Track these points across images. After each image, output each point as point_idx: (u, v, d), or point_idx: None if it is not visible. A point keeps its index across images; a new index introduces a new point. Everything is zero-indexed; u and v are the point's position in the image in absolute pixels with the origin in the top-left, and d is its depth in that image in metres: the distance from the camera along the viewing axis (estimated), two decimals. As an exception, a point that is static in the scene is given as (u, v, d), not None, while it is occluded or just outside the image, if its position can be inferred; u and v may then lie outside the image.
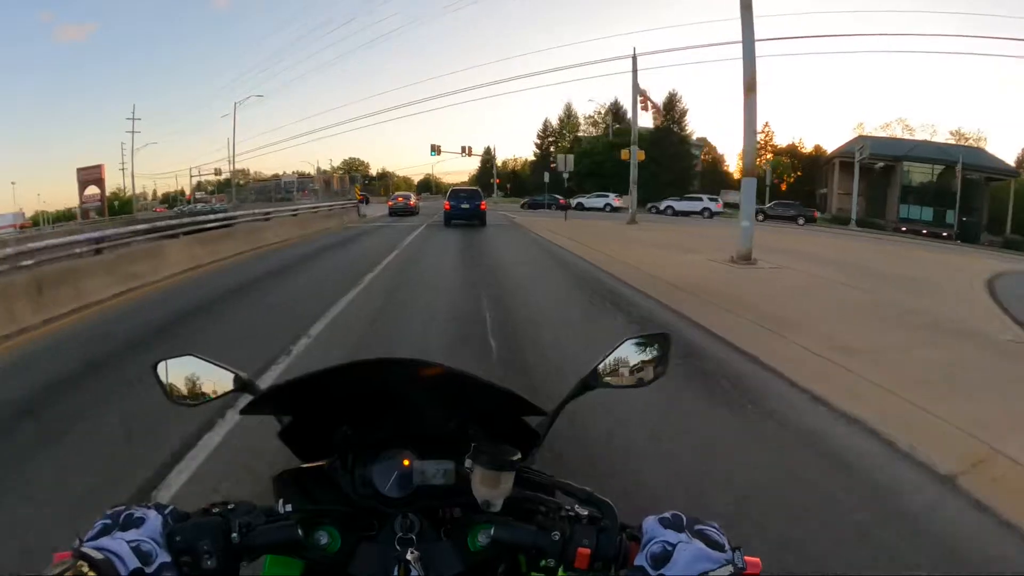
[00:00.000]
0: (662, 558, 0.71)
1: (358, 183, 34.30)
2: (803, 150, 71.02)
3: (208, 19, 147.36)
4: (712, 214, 44.21)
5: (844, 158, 49.41)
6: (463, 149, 58.00)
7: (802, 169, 64.01)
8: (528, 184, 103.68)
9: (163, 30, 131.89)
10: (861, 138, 52.97)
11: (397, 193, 49.86)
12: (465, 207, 26.32)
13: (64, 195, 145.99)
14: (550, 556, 0.80)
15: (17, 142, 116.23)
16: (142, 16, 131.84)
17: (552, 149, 74.51)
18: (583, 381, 1.09)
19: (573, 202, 47.45)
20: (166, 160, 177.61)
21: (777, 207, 45.38)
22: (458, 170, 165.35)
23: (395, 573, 0.84)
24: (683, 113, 65.17)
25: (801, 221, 42.10)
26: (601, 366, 1.09)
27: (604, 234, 21.87)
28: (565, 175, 29.02)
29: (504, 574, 0.92)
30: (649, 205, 50.25)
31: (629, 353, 1.08)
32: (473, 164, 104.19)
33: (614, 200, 47.29)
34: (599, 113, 70.15)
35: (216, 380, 1.06)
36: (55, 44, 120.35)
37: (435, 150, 55.26)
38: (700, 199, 45.75)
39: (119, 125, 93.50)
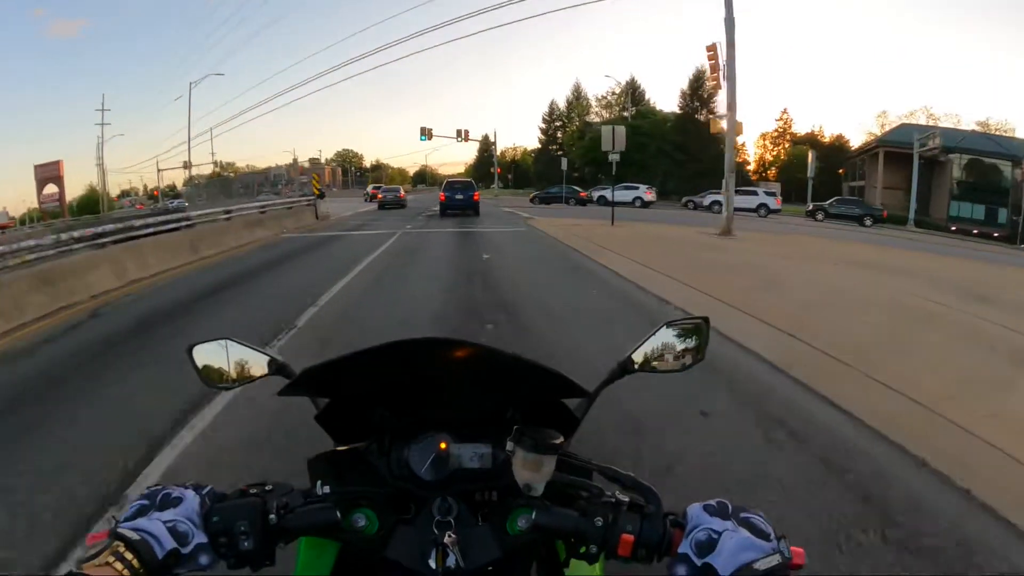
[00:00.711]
0: (707, 546, 0.69)
1: (316, 173, 23.66)
2: (823, 138, 63.67)
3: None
4: (769, 211, 35.57)
5: (892, 147, 42.64)
6: (458, 133, 48.85)
7: (823, 159, 55.42)
8: (531, 173, 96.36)
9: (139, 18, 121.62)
10: (908, 127, 45.79)
11: (383, 187, 46.55)
12: (460, 198, 26.30)
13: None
14: (592, 542, 0.77)
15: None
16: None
17: (559, 135, 65.37)
18: (621, 364, 1.03)
19: (594, 195, 38.30)
20: (150, 153, 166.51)
21: (840, 204, 37.31)
22: (454, 160, 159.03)
23: (432, 556, 0.81)
24: (711, 93, 55.81)
25: (869, 222, 34.79)
26: (639, 351, 1.03)
27: (704, 257, 11.97)
28: (614, 157, 19.88)
29: (541, 560, 0.90)
30: (685, 200, 41.34)
31: (668, 337, 1.03)
32: (470, 153, 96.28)
33: (645, 193, 38.16)
34: (613, 93, 61.10)
35: (251, 363, 1.01)
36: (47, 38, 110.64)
37: (425, 134, 46.40)
38: (755, 192, 36.97)
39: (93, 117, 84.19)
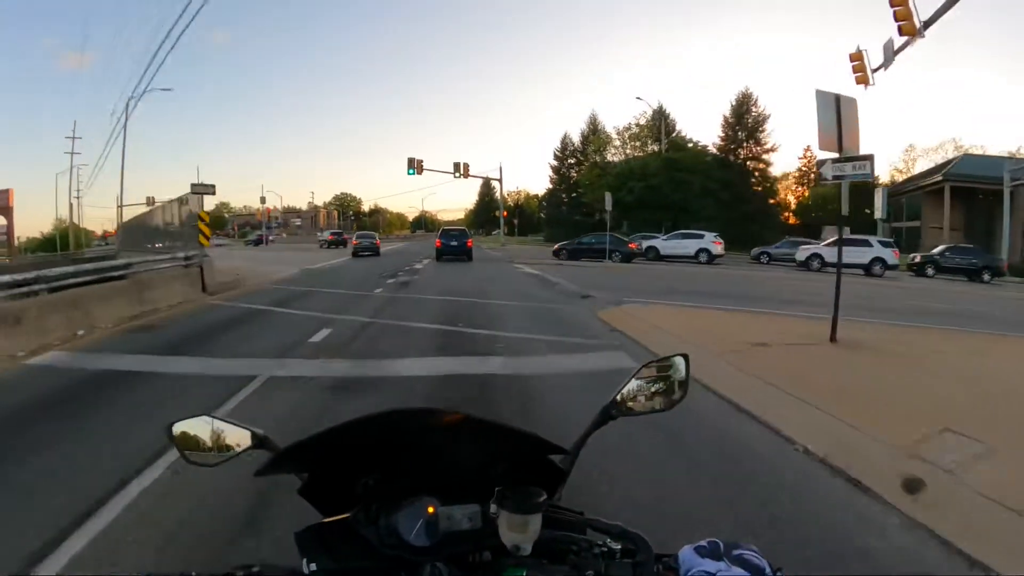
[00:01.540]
0: None
1: (203, 211, 10.60)
2: None
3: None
4: (886, 268, 25.77)
5: (960, 182, 36.17)
6: (456, 167, 38.36)
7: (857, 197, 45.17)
8: (538, 219, 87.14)
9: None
10: (972, 158, 39.59)
11: (359, 232, 42.08)
12: (455, 244, 26.81)
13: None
14: None
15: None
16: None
17: (574, 173, 54.89)
18: (604, 410, 1.03)
19: (643, 245, 27.35)
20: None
21: (954, 255, 27.59)
22: (454, 206, 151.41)
23: None
24: (761, 120, 45.45)
25: (987, 276, 26.03)
26: (621, 393, 1.03)
27: None
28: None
29: None
30: (757, 251, 30.44)
31: (650, 378, 1.03)
32: (470, 197, 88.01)
33: (713, 243, 27.17)
34: (638, 124, 50.51)
35: (231, 437, 0.99)
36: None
37: (414, 167, 35.86)
38: (867, 243, 25.93)
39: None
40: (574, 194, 53.35)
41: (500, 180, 44.16)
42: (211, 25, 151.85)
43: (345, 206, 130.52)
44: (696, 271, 22.43)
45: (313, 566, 0.81)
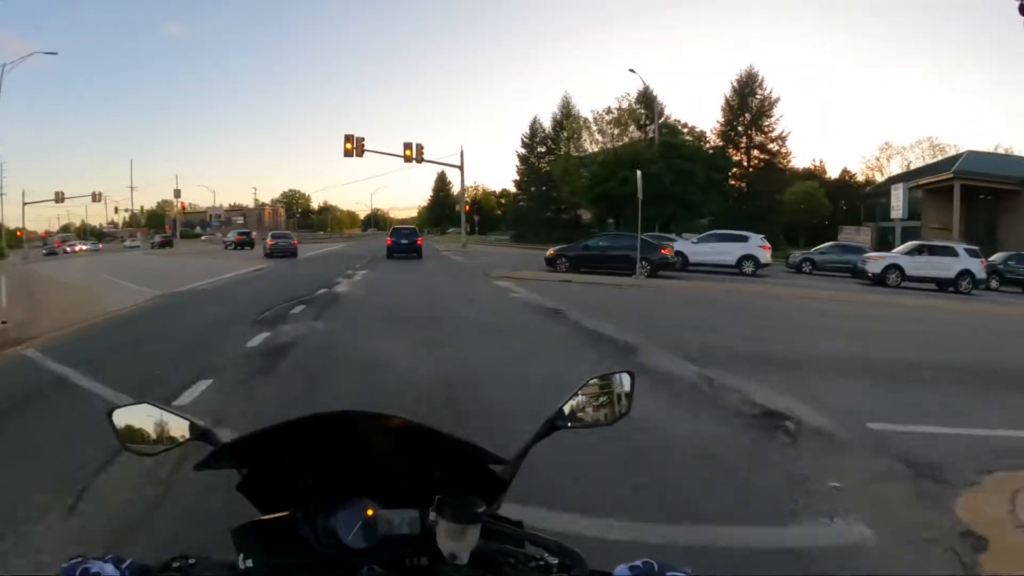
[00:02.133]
0: None
1: None
2: (826, 174, 51.21)
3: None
4: (975, 283, 19.19)
5: (970, 180, 32.31)
6: (407, 149, 29.83)
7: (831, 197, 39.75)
8: (497, 216, 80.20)
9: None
10: (977, 155, 36.36)
11: (275, 232, 38.30)
12: (405, 242, 26.88)
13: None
14: None
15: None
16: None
17: (544, 164, 47.20)
18: (549, 422, 1.01)
19: (672, 247, 19.70)
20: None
21: (1018, 263, 22.06)
22: (406, 205, 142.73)
23: None
24: (770, 103, 38.81)
25: None
26: (567, 406, 1.02)
27: None
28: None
29: None
30: (798, 258, 23.53)
31: (594, 391, 1.03)
32: (424, 192, 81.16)
33: (760, 246, 19.86)
34: (620, 108, 42.97)
35: (173, 428, 0.96)
36: None
37: (354, 148, 27.36)
38: (952, 251, 19.44)
39: None
40: (544, 187, 45.75)
41: (461, 166, 35.03)
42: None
43: (293, 204, 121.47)
44: (760, 295, 14.96)
45: (249, 562, 0.80)
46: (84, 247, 59.68)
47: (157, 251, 47.20)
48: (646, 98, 41.50)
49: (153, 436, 0.95)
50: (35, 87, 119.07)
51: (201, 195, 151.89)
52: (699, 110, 65.33)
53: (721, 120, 40.05)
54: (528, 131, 48.75)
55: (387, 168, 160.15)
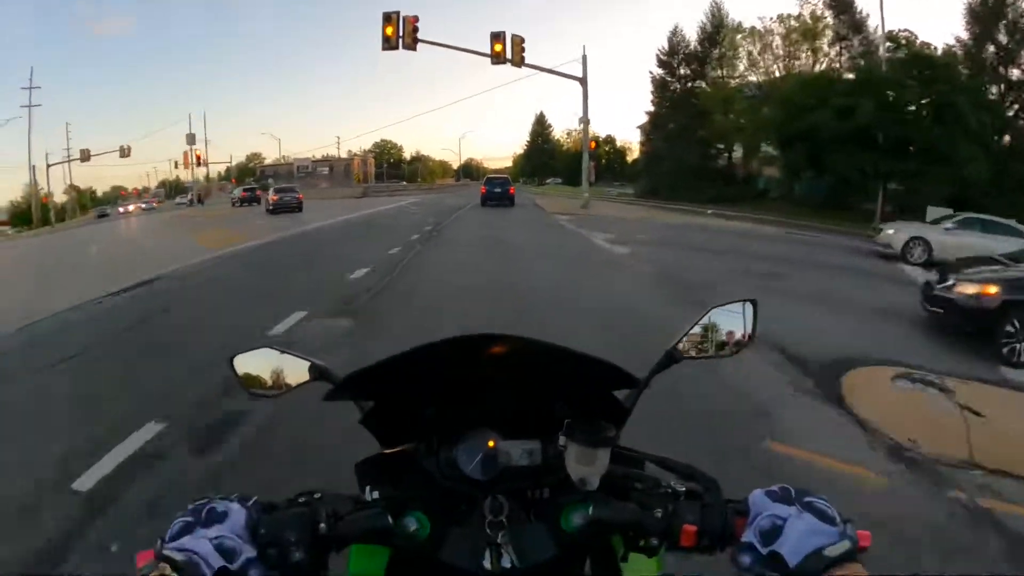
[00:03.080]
0: (772, 533, 0.64)
1: None
2: None
3: None
4: None
5: None
6: (496, 43, 17.64)
7: None
8: (623, 168, 68.20)
9: None
10: None
11: (279, 185, 33.45)
12: (498, 191, 26.01)
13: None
14: (653, 535, 0.73)
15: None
16: None
17: (691, 88, 33.97)
18: (668, 353, 0.96)
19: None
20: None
21: None
22: (501, 155, 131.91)
23: (486, 557, 0.77)
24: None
25: None
26: (688, 336, 0.97)
27: None
28: None
29: (596, 556, 0.86)
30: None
31: (715, 321, 0.98)
32: (521, 138, 71.14)
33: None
34: (802, 15, 28.79)
35: (293, 370, 0.96)
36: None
37: (398, 34, 15.54)
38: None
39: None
40: (687, 122, 32.60)
41: (583, 77, 22.51)
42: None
43: (385, 154, 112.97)
44: None
45: (375, 493, 0.79)
46: (141, 205, 55.62)
47: (184, 210, 41.41)
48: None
49: (273, 379, 0.95)
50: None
51: (292, 146, 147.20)
52: (918, 18, 46.92)
53: (965, 36, 24.76)
54: (666, 45, 35.03)
55: (477, 117, 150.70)
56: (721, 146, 33.26)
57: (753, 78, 33.36)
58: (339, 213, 22.02)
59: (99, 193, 72.68)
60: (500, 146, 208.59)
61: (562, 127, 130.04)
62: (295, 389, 0.95)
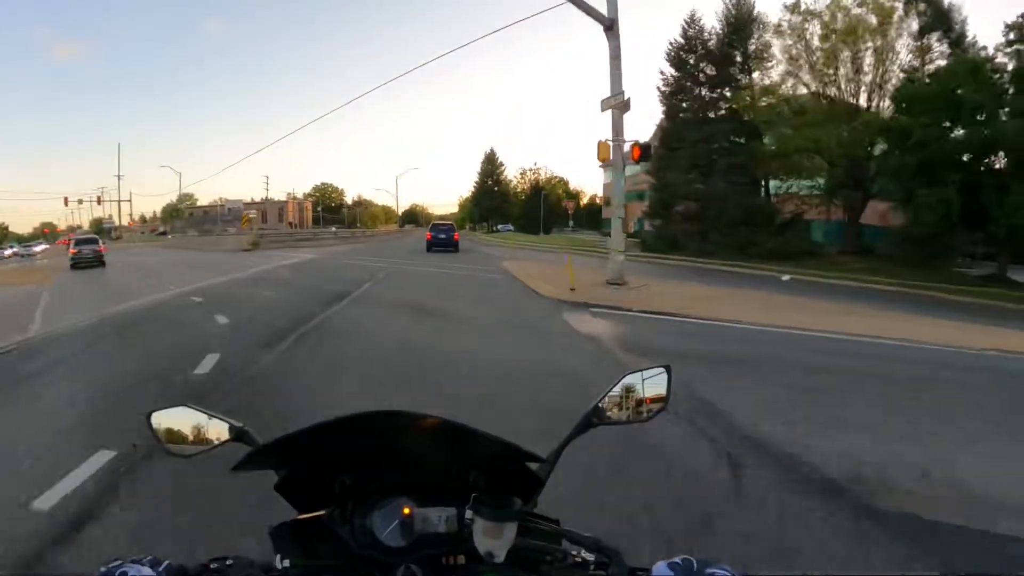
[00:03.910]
0: None
1: None
2: None
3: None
4: None
5: None
6: None
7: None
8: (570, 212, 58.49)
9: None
10: None
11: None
12: (443, 237, 25.90)
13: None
14: None
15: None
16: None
17: (716, 99, 23.49)
18: (585, 418, 0.98)
19: None
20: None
21: None
22: (445, 202, 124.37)
23: None
24: None
25: None
26: (602, 402, 0.99)
27: None
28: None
29: None
30: None
31: (630, 387, 0.99)
32: (466, 186, 65.23)
33: None
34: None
35: (212, 429, 0.95)
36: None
37: None
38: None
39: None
40: (714, 144, 21.93)
41: (610, 23, 10.74)
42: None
43: (325, 197, 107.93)
44: None
45: (286, 562, 0.79)
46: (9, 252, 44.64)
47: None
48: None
49: (191, 437, 0.93)
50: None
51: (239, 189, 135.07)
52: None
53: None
54: (680, 39, 24.43)
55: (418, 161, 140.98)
56: (767, 179, 22.71)
57: (791, 88, 23.32)
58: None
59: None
60: (448, 191, 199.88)
61: (515, 166, 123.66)
62: (213, 448, 0.92)
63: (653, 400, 0.98)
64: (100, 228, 76.89)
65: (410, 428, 0.79)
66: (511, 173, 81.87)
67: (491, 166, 67.75)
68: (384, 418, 0.77)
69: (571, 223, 57.54)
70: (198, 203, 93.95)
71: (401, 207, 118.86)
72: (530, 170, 71.98)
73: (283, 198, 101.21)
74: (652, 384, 0.98)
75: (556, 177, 72.16)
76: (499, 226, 68.38)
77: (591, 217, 68.14)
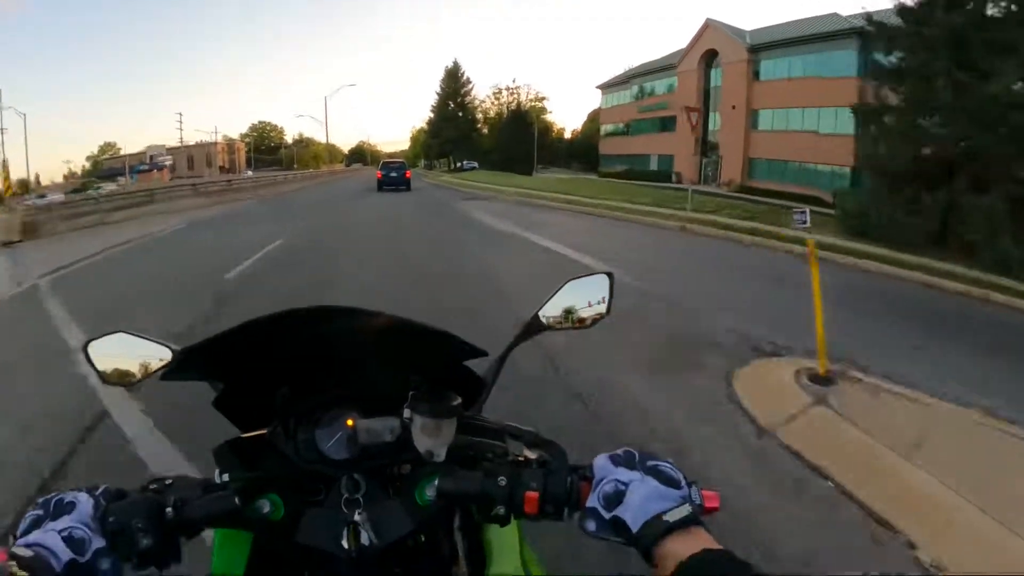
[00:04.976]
0: (615, 498, 0.63)
1: None
2: None
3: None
4: None
5: None
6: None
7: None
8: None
9: None
10: None
11: None
12: (394, 175, 25.95)
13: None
14: (499, 503, 0.71)
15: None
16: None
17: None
18: (527, 325, 0.97)
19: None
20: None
21: None
22: (396, 139, 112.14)
23: (344, 536, 0.75)
24: None
25: None
26: (544, 308, 0.97)
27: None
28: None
29: (460, 527, 0.86)
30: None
31: (572, 294, 0.97)
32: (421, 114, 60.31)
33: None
34: None
35: (152, 355, 0.87)
36: None
37: None
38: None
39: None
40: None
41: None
42: None
43: (264, 137, 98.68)
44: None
45: (226, 476, 0.76)
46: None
47: None
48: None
49: (132, 365, 0.87)
50: None
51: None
52: None
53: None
54: None
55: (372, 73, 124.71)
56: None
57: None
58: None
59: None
60: (399, 128, 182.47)
61: (487, 84, 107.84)
62: (152, 375, 0.86)
63: (594, 304, 0.95)
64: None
65: (347, 324, 0.75)
66: (481, 92, 68.72)
67: (454, 84, 54.36)
68: (318, 314, 0.72)
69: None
70: (121, 152, 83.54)
71: (346, 144, 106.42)
72: (507, 89, 58.25)
73: (219, 141, 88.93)
74: (595, 290, 0.95)
75: (540, 98, 59.10)
76: (463, 162, 56.37)
77: (580, 153, 56.37)
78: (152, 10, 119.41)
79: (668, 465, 0.65)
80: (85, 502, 0.65)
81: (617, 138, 50.13)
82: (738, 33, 39.24)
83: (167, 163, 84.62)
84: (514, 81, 78.73)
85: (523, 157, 48.24)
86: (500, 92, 58.99)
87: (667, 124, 43.20)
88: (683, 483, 0.63)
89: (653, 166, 44.94)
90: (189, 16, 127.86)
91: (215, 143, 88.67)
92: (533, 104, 56.46)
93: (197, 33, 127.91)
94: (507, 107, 55.92)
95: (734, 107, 39.14)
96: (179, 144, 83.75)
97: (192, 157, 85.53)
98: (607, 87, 53.34)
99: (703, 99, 41.64)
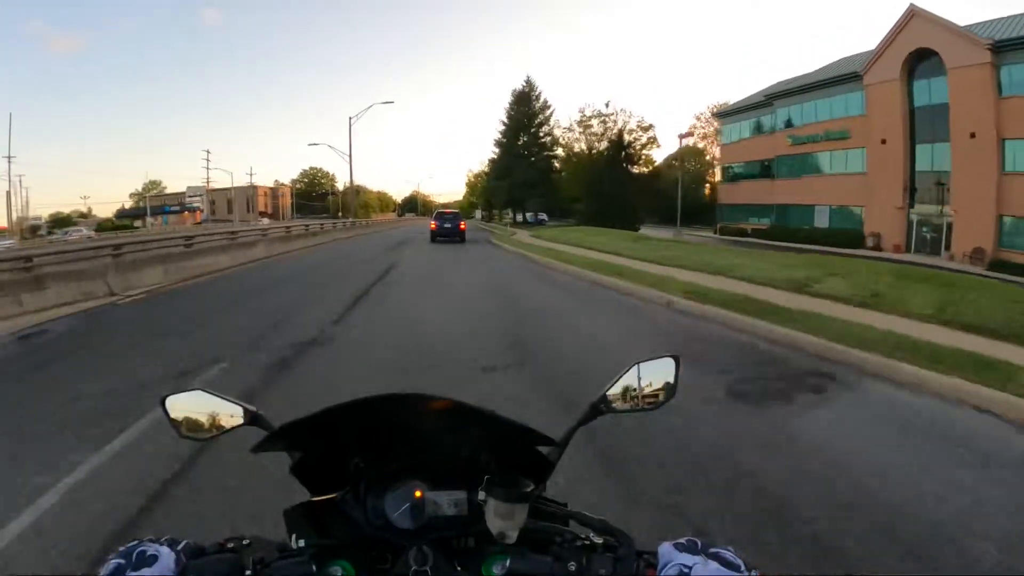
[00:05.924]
0: None
1: None
2: None
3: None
4: None
5: None
6: None
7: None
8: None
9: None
10: None
11: None
12: (448, 227, 25.68)
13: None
14: None
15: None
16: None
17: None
18: (593, 406, 0.96)
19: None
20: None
21: None
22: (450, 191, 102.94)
23: None
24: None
25: None
26: (611, 391, 0.96)
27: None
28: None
29: None
30: None
31: (638, 376, 0.96)
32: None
33: None
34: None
35: (225, 414, 0.93)
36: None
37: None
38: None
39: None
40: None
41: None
42: None
43: (315, 184, 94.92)
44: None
45: (301, 542, 0.78)
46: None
47: None
48: None
49: (206, 422, 0.91)
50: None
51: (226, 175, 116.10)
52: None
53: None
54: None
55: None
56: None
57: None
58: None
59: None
60: (456, 174, 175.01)
61: (570, 105, 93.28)
62: (226, 433, 0.90)
63: (660, 388, 0.94)
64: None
65: (423, 410, 0.78)
66: (564, 118, 54.14)
67: (526, 109, 40.94)
68: (396, 401, 0.76)
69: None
70: (166, 190, 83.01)
71: (400, 194, 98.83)
72: (598, 116, 42.91)
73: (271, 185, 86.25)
74: (660, 372, 0.94)
75: (645, 126, 41.80)
76: (537, 215, 43.09)
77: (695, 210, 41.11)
78: (236, 51, 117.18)
79: (730, 552, 0.66)
80: (166, 555, 0.65)
81: (750, 182, 36.67)
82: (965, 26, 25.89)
83: (196, 206, 77.58)
84: (607, 105, 50.14)
85: (620, 208, 34.89)
86: (588, 119, 43.00)
87: (848, 161, 29.75)
88: (743, 567, 0.64)
89: (820, 221, 31.20)
90: (255, 64, 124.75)
91: (253, 186, 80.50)
92: (636, 136, 41.11)
93: (256, 79, 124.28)
94: (597, 139, 41.18)
95: (973, 135, 25.33)
96: (229, 186, 76.00)
97: (231, 200, 77.56)
98: (728, 114, 40.17)
99: (907, 123, 28.20)
